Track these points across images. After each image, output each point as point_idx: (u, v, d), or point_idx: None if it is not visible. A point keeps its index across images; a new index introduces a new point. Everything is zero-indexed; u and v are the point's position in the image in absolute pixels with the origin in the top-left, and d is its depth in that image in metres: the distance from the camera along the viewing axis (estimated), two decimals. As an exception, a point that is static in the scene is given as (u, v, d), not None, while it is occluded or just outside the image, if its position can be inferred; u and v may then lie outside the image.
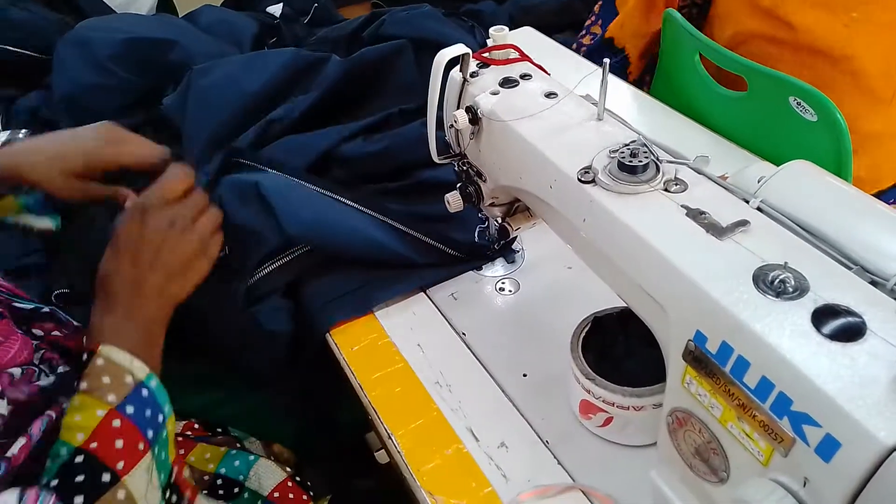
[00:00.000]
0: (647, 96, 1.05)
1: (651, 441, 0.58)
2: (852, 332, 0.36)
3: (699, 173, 0.49)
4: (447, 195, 0.69)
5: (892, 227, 0.44)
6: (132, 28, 1.09)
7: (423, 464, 0.60)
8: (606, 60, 0.51)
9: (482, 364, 0.69)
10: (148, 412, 0.52)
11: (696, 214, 0.45)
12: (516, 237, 0.78)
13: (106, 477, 0.48)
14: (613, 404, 0.56)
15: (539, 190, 0.55)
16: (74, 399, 0.51)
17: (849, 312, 0.37)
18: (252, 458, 0.74)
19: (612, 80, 1.06)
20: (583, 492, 0.57)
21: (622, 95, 1.04)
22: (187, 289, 0.62)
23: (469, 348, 0.70)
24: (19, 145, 0.68)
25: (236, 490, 0.70)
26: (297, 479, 0.75)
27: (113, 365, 0.53)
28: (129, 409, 0.51)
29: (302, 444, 0.85)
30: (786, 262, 0.40)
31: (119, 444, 0.49)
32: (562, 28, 1.46)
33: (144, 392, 0.53)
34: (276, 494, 0.70)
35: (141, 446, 0.50)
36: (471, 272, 0.79)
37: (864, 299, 0.38)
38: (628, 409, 0.56)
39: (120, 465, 0.49)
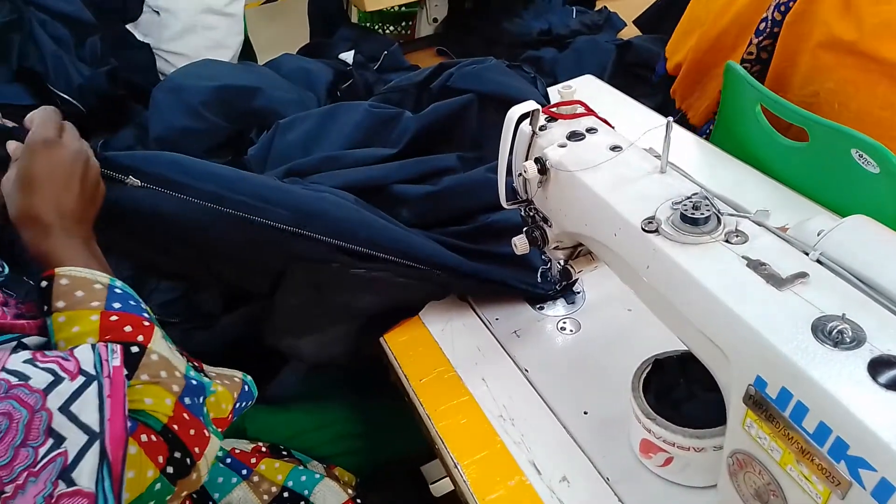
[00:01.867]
0: (709, 145, 1.08)
1: (710, 482, 0.60)
2: (908, 382, 0.38)
3: (760, 226, 0.52)
4: (514, 238, 0.74)
5: (950, 282, 0.46)
6: (222, 76, 1.19)
7: (488, 493, 0.63)
8: (670, 119, 0.55)
9: (544, 400, 0.72)
10: (132, 302, 0.58)
11: (756, 265, 0.48)
12: (577, 279, 0.82)
13: (134, 349, 0.54)
14: (674, 444, 0.58)
15: (604, 237, 0.59)
16: (56, 317, 0.55)
17: (905, 363, 0.39)
18: (318, 476, 0.78)
19: (675, 130, 1.09)
20: (642, 528, 0.59)
21: (684, 144, 1.07)
22: (98, 204, 0.66)
23: (531, 384, 0.74)
24: None
25: None
26: (359, 501, 0.78)
27: (78, 279, 0.57)
28: (116, 305, 0.56)
29: (359, 471, 0.89)
30: (843, 314, 0.43)
31: (128, 329, 0.55)
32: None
33: (118, 290, 0.58)
34: None
35: (146, 323, 0.56)
36: (532, 311, 0.82)
37: (920, 351, 0.40)
38: (689, 449, 0.58)
39: (140, 338, 0.55)
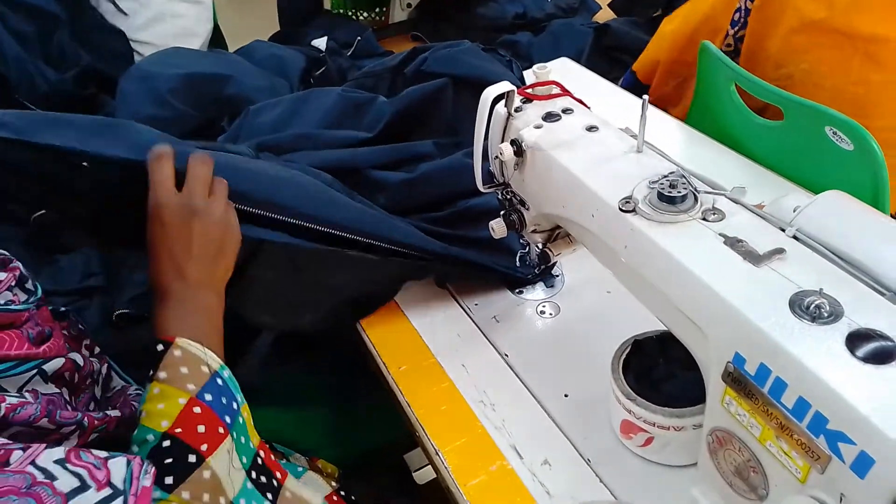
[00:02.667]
0: (685, 126, 1.08)
1: (691, 461, 0.60)
2: (885, 354, 0.38)
3: (736, 203, 0.51)
4: (491, 222, 0.73)
5: (925, 255, 0.46)
6: (191, 64, 1.16)
7: (469, 479, 0.63)
8: (646, 97, 0.55)
9: (524, 384, 0.71)
10: (224, 399, 0.56)
11: (733, 242, 0.47)
12: (556, 262, 0.81)
13: (192, 458, 0.52)
14: (654, 424, 0.58)
15: (581, 218, 0.58)
16: (153, 387, 0.54)
17: (881, 336, 0.39)
18: (301, 469, 0.77)
19: (651, 110, 1.09)
20: (624, 509, 0.59)
21: (660, 125, 1.07)
22: (227, 268, 0.64)
23: (511, 369, 0.73)
24: None
25: None
26: (342, 493, 0.78)
27: (189, 356, 0.56)
28: (208, 397, 0.54)
29: (342, 462, 0.88)
30: (821, 289, 0.42)
31: (201, 428, 0.52)
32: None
33: (219, 381, 0.56)
34: None
35: (221, 430, 0.53)
36: (512, 296, 0.82)
37: (896, 324, 0.40)
38: (669, 429, 0.58)
39: (203, 447, 0.52)
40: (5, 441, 0.46)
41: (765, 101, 0.97)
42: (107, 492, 0.46)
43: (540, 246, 0.73)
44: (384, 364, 0.76)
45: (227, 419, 0.55)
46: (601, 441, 0.64)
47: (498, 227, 0.72)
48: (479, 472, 0.63)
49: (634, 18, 1.68)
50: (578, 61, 1.32)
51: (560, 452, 0.64)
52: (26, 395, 0.51)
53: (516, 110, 0.65)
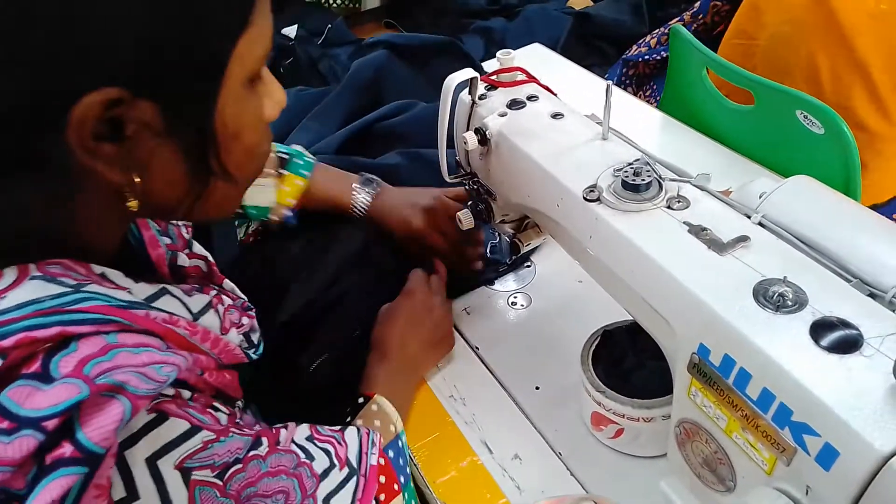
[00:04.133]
0: (655, 111, 1.07)
1: (661, 452, 0.59)
2: (849, 344, 0.38)
3: (701, 190, 0.50)
4: (458, 213, 0.71)
5: (890, 240, 0.45)
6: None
7: (439, 476, 0.62)
8: (610, 82, 0.53)
9: (496, 377, 0.70)
10: (401, 460, 0.59)
11: (697, 231, 0.46)
12: (527, 252, 0.80)
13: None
14: (624, 416, 0.57)
15: (546, 208, 0.57)
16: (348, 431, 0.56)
17: (846, 325, 0.38)
18: None
19: (621, 96, 1.08)
20: (595, 502, 0.58)
21: (631, 111, 1.06)
22: (436, 361, 0.72)
23: (482, 362, 0.72)
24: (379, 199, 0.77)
25: None
26: None
27: (384, 413, 0.60)
28: (391, 453, 0.58)
29: None
30: (785, 277, 0.42)
31: (382, 479, 0.55)
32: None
33: (400, 443, 0.60)
34: None
35: (396, 487, 0.56)
36: (483, 287, 0.80)
37: (861, 312, 0.39)
38: (638, 420, 0.57)
39: (381, 496, 0.54)
40: (265, 426, 0.49)
41: (737, 86, 0.96)
42: (345, 472, 0.50)
43: (509, 237, 0.71)
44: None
45: (402, 479, 0.57)
46: (572, 434, 0.63)
47: (465, 219, 0.71)
48: (449, 469, 0.62)
49: (620, 5, 1.65)
50: (554, 48, 1.30)
51: (531, 446, 0.63)
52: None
53: (480, 98, 0.64)
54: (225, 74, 0.39)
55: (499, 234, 0.75)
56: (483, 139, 0.62)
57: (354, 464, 0.51)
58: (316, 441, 0.50)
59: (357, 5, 1.85)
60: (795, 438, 0.38)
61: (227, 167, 0.42)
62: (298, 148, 0.77)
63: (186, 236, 0.56)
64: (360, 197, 0.76)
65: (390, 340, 0.66)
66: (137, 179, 0.39)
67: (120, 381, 0.35)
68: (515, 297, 0.79)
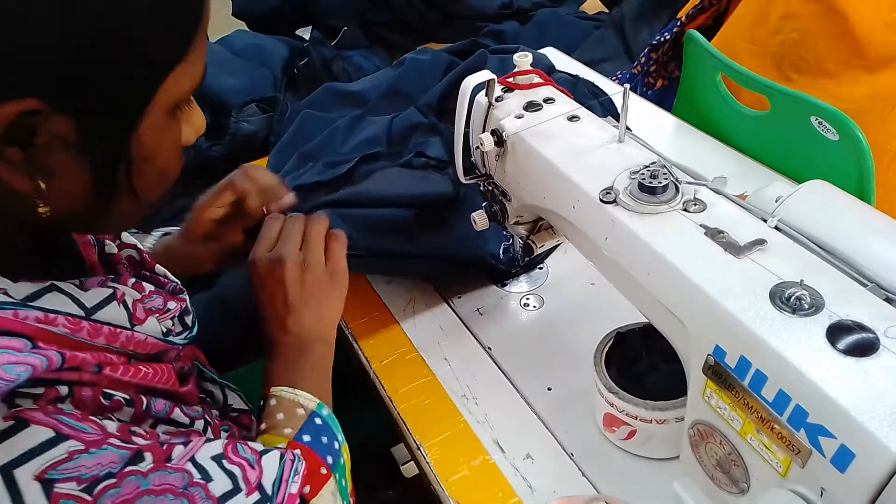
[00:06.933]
0: (670, 115, 1.07)
1: (673, 454, 0.59)
2: (865, 347, 0.38)
3: (718, 193, 0.51)
4: (473, 214, 0.72)
5: (907, 245, 0.45)
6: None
7: (451, 474, 0.62)
8: (627, 86, 0.54)
9: (508, 378, 0.71)
10: (324, 439, 0.54)
11: (714, 234, 0.47)
12: (540, 254, 0.80)
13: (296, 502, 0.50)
14: (636, 417, 0.57)
15: (562, 210, 0.57)
16: (257, 442, 0.53)
17: (862, 328, 0.39)
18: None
19: (636, 100, 1.08)
20: (607, 503, 0.58)
21: (645, 115, 1.06)
22: (336, 313, 0.63)
23: (495, 362, 0.72)
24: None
25: None
26: None
27: (283, 401, 0.56)
28: (306, 438, 0.54)
29: None
30: (802, 280, 0.42)
31: (306, 488, 0.51)
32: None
33: (318, 420, 0.55)
34: None
35: (323, 471, 0.52)
36: (495, 288, 0.81)
37: (878, 315, 0.39)
38: (651, 422, 0.57)
39: (306, 489, 0.51)
40: (168, 436, 0.46)
41: (751, 92, 0.96)
42: (255, 497, 0.45)
43: (523, 238, 0.72)
44: (366, 358, 0.75)
45: (329, 459, 0.53)
46: (584, 435, 0.64)
47: (479, 219, 0.71)
48: (462, 467, 0.63)
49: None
50: (566, 51, 1.31)
51: (543, 446, 0.64)
52: None
53: (497, 100, 0.64)
54: (150, 104, 0.40)
55: (512, 236, 0.75)
56: (499, 141, 0.62)
57: (269, 490, 0.47)
58: (224, 461, 0.46)
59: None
60: (811, 440, 0.38)
61: (136, 187, 0.43)
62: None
63: None
64: (150, 238, 0.72)
65: (267, 329, 0.61)
66: (43, 186, 0.39)
67: None
68: (528, 299, 0.79)
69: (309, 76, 1.36)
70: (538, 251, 0.73)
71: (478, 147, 0.64)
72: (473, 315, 0.78)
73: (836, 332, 0.39)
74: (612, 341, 0.62)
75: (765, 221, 0.48)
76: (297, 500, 0.49)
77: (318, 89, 1.09)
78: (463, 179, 0.69)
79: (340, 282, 0.63)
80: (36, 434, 0.37)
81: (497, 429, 0.66)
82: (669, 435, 0.57)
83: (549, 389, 0.69)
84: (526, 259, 0.78)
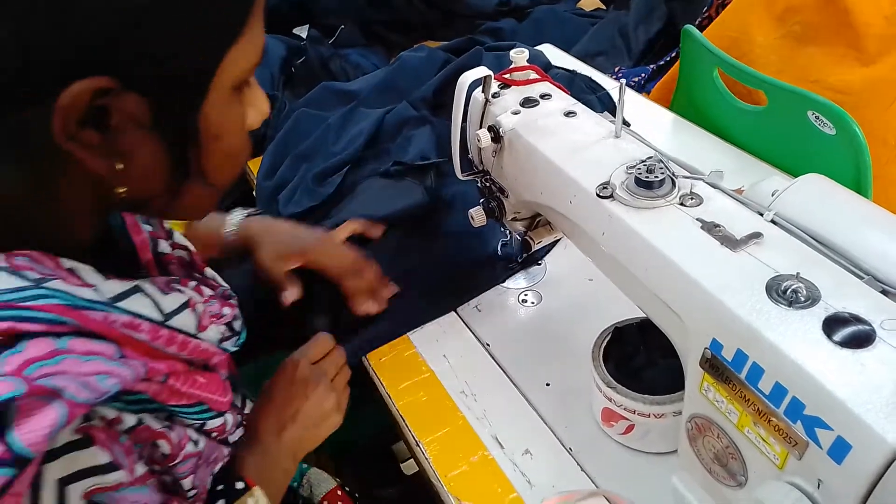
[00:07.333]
0: (667, 111, 1.07)
1: (672, 448, 0.59)
2: (862, 339, 0.38)
3: (714, 187, 0.51)
4: (471, 210, 0.72)
5: (903, 237, 0.45)
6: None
7: (450, 470, 0.62)
8: (623, 81, 0.54)
9: (506, 374, 0.71)
10: None
11: (710, 227, 0.47)
12: (538, 250, 0.80)
13: None
14: (635, 412, 0.58)
15: (559, 205, 0.57)
16: None
17: (859, 320, 0.39)
18: (304, 465, 0.77)
19: (633, 96, 1.08)
20: (606, 497, 0.58)
21: (642, 111, 1.06)
22: (318, 441, 0.64)
23: (493, 358, 0.72)
24: (258, 222, 0.75)
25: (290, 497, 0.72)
26: (347, 489, 0.77)
27: None
28: None
29: (333, 456, 0.87)
30: (798, 273, 0.42)
31: None
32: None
33: None
34: (325, 503, 0.72)
35: None
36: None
37: (874, 307, 0.39)
38: (649, 416, 0.57)
39: None
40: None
41: (748, 87, 0.96)
42: None
43: (521, 235, 0.72)
44: (365, 356, 0.75)
45: None
46: (583, 430, 0.64)
47: (477, 216, 0.71)
48: (461, 463, 0.63)
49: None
50: (567, 49, 1.31)
51: (541, 442, 0.64)
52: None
53: (494, 96, 0.64)
54: (213, 81, 0.40)
55: (510, 232, 0.75)
56: (496, 137, 0.62)
57: None
58: None
59: (368, 6, 1.86)
60: (808, 432, 0.38)
61: (205, 168, 0.43)
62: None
63: (167, 226, 0.57)
64: (236, 216, 0.74)
65: (262, 424, 0.61)
66: (120, 166, 0.39)
67: (59, 386, 0.34)
68: (526, 295, 0.79)
69: (307, 75, 1.36)
70: (536, 247, 0.73)
71: (475, 143, 0.64)
72: (471, 311, 0.78)
73: (832, 324, 0.39)
74: (609, 336, 0.62)
75: (761, 215, 0.48)
76: None
77: (316, 88, 1.09)
78: (460, 176, 0.69)
79: (337, 419, 0.65)
80: (96, 456, 0.38)
81: (496, 425, 0.66)
82: (667, 429, 0.58)
83: (548, 385, 0.69)
84: (524, 255, 0.78)
